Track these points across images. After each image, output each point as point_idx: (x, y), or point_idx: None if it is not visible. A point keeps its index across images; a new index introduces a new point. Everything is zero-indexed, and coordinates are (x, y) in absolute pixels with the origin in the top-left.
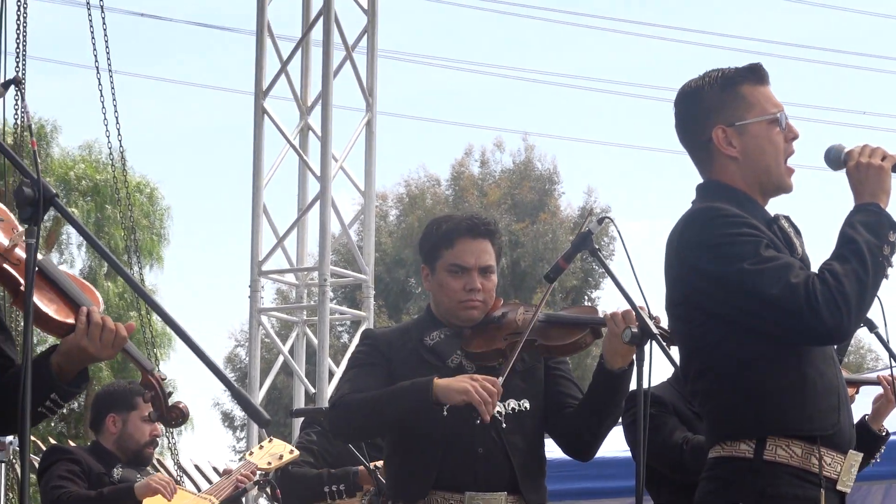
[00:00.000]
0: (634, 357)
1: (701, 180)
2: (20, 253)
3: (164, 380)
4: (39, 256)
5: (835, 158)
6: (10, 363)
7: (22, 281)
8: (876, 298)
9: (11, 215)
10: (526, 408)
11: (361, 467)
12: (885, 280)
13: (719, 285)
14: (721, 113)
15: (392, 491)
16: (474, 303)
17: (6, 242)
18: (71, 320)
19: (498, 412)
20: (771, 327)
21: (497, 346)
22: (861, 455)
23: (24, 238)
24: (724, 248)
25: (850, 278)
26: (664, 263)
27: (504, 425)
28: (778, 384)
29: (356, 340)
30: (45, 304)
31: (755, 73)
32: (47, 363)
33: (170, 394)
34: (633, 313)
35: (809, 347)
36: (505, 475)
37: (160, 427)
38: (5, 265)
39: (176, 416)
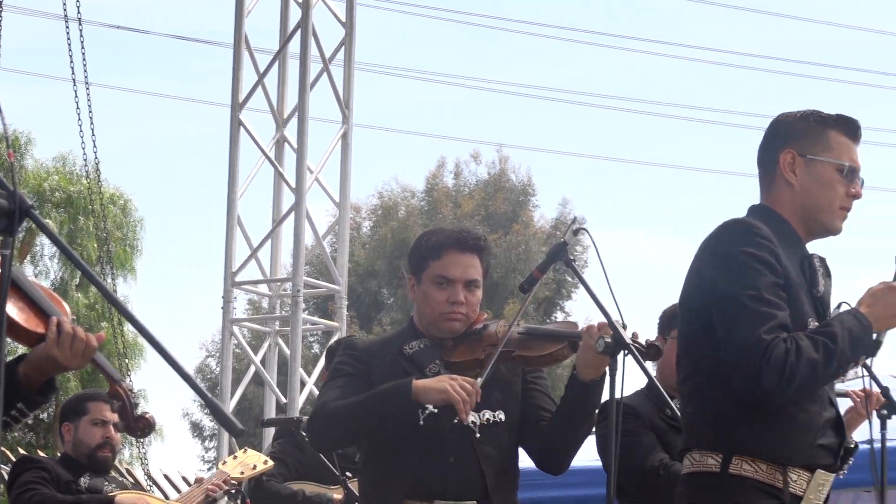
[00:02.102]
0: (607, 368)
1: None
2: None
3: (131, 391)
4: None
5: None
6: None
7: None
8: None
9: None
10: (501, 419)
11: (336, 496)
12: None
13: (714, 299)
14: (798, 141)
15: (365, 500)
16: (456, 315)
17: None
18: (41, 330)
19: (472, 421)
20: (725, 359)
21: (476, 356)
22: (832, 476)
23: None
24: (735, 267)
25: (809, 363)
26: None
27: (478, 435)
28: (755, 411)
29: (329, 350)
30: (17, 314)
31: (848, 126)
32: (13, 372)
33: (136, 404)
34: (608, 324)
35: None
36: (476, 485)
37: (114, 431)
38: None
39: (143, 427)
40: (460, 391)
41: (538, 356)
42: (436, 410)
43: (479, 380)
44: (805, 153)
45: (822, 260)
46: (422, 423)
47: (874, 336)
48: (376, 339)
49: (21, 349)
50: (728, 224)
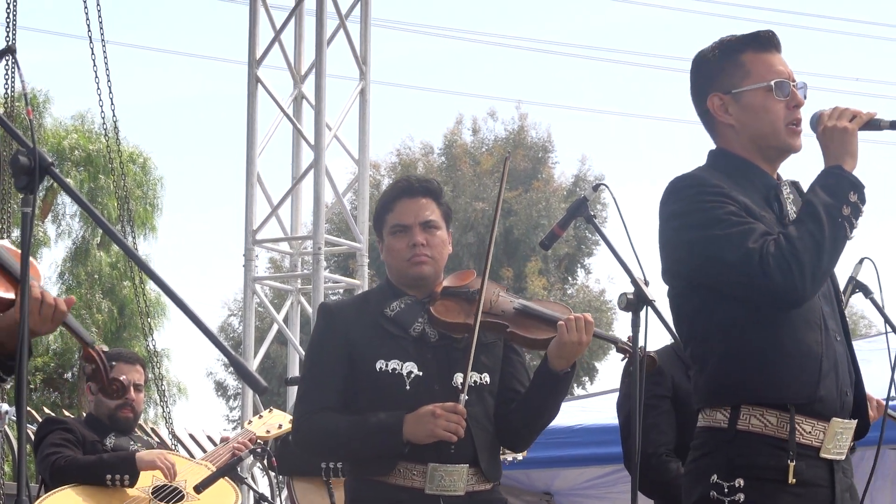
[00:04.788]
0: (630, 323)
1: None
2: None
3: (105, 352)
4: None
5: (813, 125)
6: None
7: None
8: (870, 263)
9: None
10: (486, 382)
11: None
12: (848, 240)
13: (690, 252)
14: (719, 81)
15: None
16: (420, 257)
17: None
18: (11, 295)
19: (462, 383)
20: (733, 291)
21: (465, 320)
22: (854, 422)
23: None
24: (692, 216)
25: (805, 240)
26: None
27: (466, 397)
28: (749, 351)
29: None
30: None
31: (758, 41)
32: None
33: (111, 366)
34: (630, 281)
35: (788, 314)
36: (467, 448)
37: (133, 392)
38: None
39: (117, 388)
40: (449, 426)
41: (531, 339)
42: (421, 374)
43: (463, 396)
44: (729, 90)
45: (794, 184)
46: (408, 388)
47: (849, 175)
48: (353, 299)
49: None
50: (675, 182)
